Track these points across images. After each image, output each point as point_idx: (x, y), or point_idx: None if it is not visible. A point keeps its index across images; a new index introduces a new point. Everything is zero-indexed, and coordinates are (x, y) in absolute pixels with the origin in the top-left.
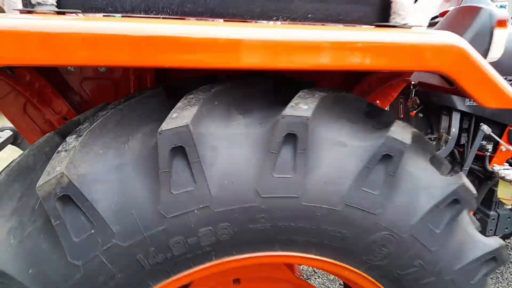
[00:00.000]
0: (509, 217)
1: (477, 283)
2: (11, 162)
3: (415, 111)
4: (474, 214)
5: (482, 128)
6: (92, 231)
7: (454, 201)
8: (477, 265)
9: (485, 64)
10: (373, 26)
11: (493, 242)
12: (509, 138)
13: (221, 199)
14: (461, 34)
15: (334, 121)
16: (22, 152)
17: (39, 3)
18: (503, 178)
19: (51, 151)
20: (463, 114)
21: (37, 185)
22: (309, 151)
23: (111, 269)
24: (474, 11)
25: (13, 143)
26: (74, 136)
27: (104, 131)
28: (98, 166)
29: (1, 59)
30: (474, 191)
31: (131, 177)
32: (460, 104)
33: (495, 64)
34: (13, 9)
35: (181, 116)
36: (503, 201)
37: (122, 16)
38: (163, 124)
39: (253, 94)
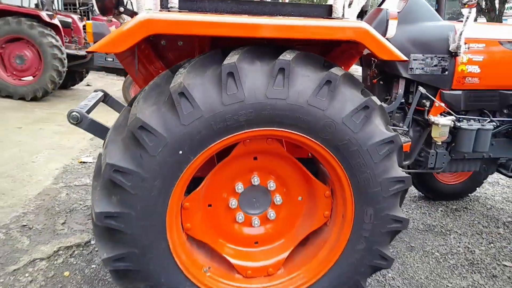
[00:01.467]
0: (444, 155)
1: (380, 162)
2: (150, 82)
3: (375, 79)
4: (420, 153)
5: (419, 89)
6: (192, 109)
7: (365, 107)
8: (380, 145)
9: (379, 36)
10: (323, 18)
11: (391, 133)
12: (440, 97)
13: (248, 98)
14: (371, 22)
15: (303, 64)
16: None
17: (172, 7)
18: (433, 123)
19: (168, 79)
20: (408, 81)
21: (170, 87)
22: (291, 78)
23: (201, 128)
24: (380, 10)
25: (103, 101)
26: (182, 69)
27: (195, 67)
28: (195, 81)
29: (167, 30)
30: (378, 102)
31: (210, 87)
32: (404, 73)
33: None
34: (154, 9)
35: (231, 59)
36: (435, 139)
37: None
38: (224, 61)
39: (265, 51)
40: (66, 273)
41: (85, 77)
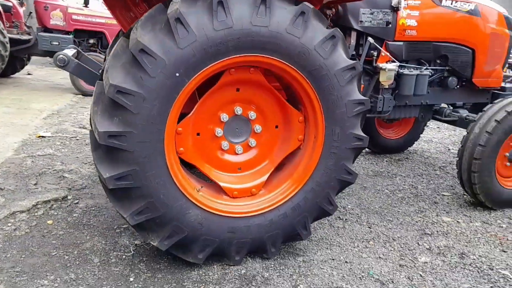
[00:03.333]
0: (390, 99)
1: (345, 85)
2: (145, 14)
3: None
4: (371, 97)
5: (368, 39)
6: (187, 34)
7: (332, 36)
8: (345, 70)
9: None
10: None
11: (351, 61)
12: (386, 47)
13: (236, 25)
14: None
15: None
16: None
17: None
18: (381, 68)
19: (161, 10)
20: (358, 32)
21: (168, 12)
22: (271, 8)
23: (195, 51)
24: None
25: (76, 57)
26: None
27: None
28: (190, 9)
29: None
30: (341, 34)
31: (202, 14)
32: (355, 25)
33: None
34: None
35: None
36: (383, 83)
37: None
38: None
39: None
40: (50, 222)
41: (26, 64)
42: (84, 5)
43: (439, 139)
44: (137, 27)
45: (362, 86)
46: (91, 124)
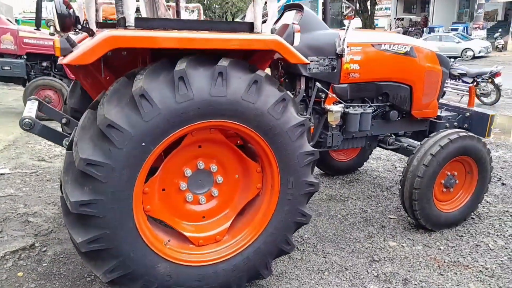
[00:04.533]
0: (338, 135)
1: (296, 140)
2: (109, 89)
3: (282, 79)
4: (320, 135)
5: (316, 84)
6: (152, 108)
7: (283, 99)
8: (295, 127)
9: (289, 46)
10: (248, 33)
11: (301, 118)
12: (332, 90)
13: (196, 96)
14: (282, 34)
15: (236, 68)
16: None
17: (129, 25)
18: (329, 110)
19: (125, 84)
20: (307, 78)
21: (133, 90)
22: (228, 79)
23: (159, 123)
24: (287, 26)
25: (39, 110)
26: (139, 76)
27: (150, 73)
28: (152, 85)
29: (128, 44)
30: (290, 96)
31: (165, 89)
32: (304, 72)
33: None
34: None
35: (181, 66)
36: (331, 123)
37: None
38: (175, 68)
39: (205, 59)
40: (20, 274)
41: None
42: (35, 28)
43: (387, 155)
44: (103, 102)
45: (312, 128)
46: (61, 190)
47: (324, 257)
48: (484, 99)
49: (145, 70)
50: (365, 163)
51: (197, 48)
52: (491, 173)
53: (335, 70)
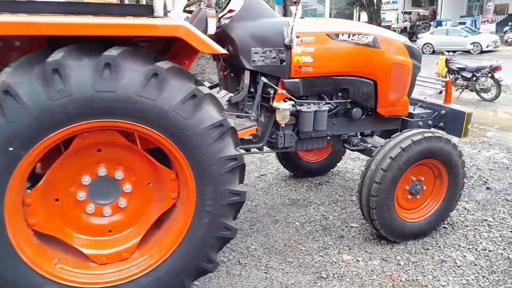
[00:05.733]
0: (291, 135)
1: (213, 143)
2: None
3: (226, 72)
4: (271, 135)
5: (261, 79)
6: (19, 106)
7: (193, 96)
8: (211, 128)
9: (198, 32)
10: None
11: (220, 117)
12: (282, 85)
13: (76, 92)
14: (193, 21)
15: (132, 59)
16: None
17: None
18: (276, 108)
19: None
20: (253, 72)
21: None
22: (118, 72)
23: (30, 123)
24: (200, 10)
25: None
26: (7, 68)
27: (20, 65)
28: (21, 79)
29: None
30: (206, 91)
31: (36, 83)
32: (248, 65)
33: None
34: None
35: (56, 56)
36: (279, 122)
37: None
38: (48, 59)
39: (94, 48)
40: None
41: None
42: None
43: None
44: None
45: (256, 127)
46: None
47: (266, 272)
48: (484, 95)
49: (16, 62)
50: (341, 163)
51: (76, 36)
52: (464, 179)
53: (284, 63)
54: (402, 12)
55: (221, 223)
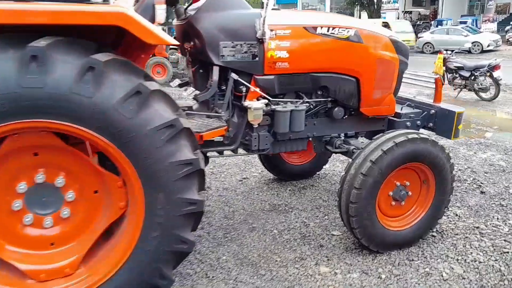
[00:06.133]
0: (266, 136)
1: (163, 146)
2: None
3: (194, 68)
4: (245, 136)
5: (231, 75)
6: None
7: (138, 92)
8: (161, 129)
9: (143, 21)
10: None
11: (171, 117)
12: (255, 82)
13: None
14: (138, 8)
15: (65, 51)
16: None
17: None
18: (248, 107)
19: None
20: (222, 68)
21: None
22: (48, 65)
23: None
24: None
25: None
26: None
27: None
28: None
29: None
30: (154, 87)
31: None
32: (216, 60)
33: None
34: None
35: None
36: (252, 122)
37: None
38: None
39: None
40: None
41: None
42: None
43: None
44: None
45: (225, 128)
46: None
47: (234, 287)
48: (483, 95)
49: None
50: (328, 165)
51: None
52: (453, 184)
53: (257, 59)
54: (402, 11)
55: (175, 236)
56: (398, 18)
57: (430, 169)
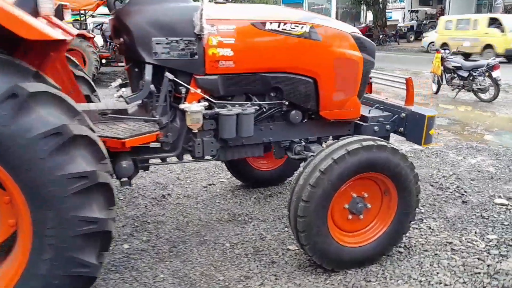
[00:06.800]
0: (212, 142)
1: (49, 157)
2: None
3: (127, 66)
4: (188, 142)
5: (166, 75)
6: None
7: (14, 95)
8: (44, 138)
9: (16, 12)
10: None
11: (54, 124)
12: (196, 83)
13: None
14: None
15: None
16: None
17: None
18: (185, 110)
19: None
20: (156, 67)
21: None
22: None
23: None
24: None
25: None
26: None
27: None
28: None
29: None
30: (33, 89)
31: None
32: (148, 58)
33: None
34: None
35: None
36: (190, 127)
37: None
38: None
39: None
40: None
41: None
42: None
43: None
44: None
45: (157, 134)
46: None
47: None
48: (482, 95)
49: None
50: (296, 171)
51: None
52: (418, 196)
53: (196, 57)
54: (409, 10)
55: (73, 259)
56: (404, 18)
57: (390, 180)
